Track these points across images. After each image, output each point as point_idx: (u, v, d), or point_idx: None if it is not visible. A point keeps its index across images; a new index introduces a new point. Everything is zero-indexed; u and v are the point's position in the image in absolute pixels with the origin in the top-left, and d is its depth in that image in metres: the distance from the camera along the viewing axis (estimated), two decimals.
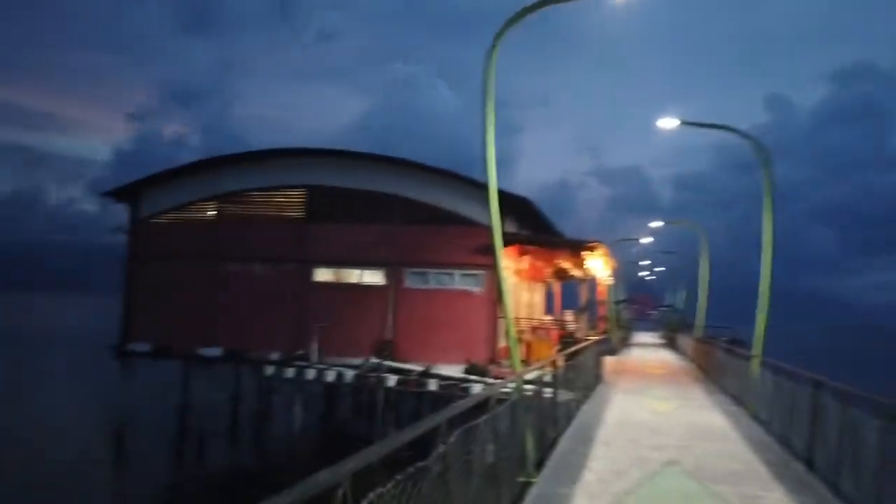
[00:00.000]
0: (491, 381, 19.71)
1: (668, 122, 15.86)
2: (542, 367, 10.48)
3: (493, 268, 21.48)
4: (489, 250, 20.81)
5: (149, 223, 23.92)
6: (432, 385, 19.89)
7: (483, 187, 20.61)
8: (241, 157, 23.54)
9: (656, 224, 34.33)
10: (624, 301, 63.42)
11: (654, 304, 71.40)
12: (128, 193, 24.04)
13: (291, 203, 23.09)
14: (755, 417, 12.50)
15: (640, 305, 71.67)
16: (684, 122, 15.70)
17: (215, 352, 22.23)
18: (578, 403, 13.06)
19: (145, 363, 23.32)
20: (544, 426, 9.26)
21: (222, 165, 23.61)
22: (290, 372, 20.87)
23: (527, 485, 7.51)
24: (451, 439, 4.27)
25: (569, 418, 11.38)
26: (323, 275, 22.68)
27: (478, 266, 21.19)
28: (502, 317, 21.93)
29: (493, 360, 20.97)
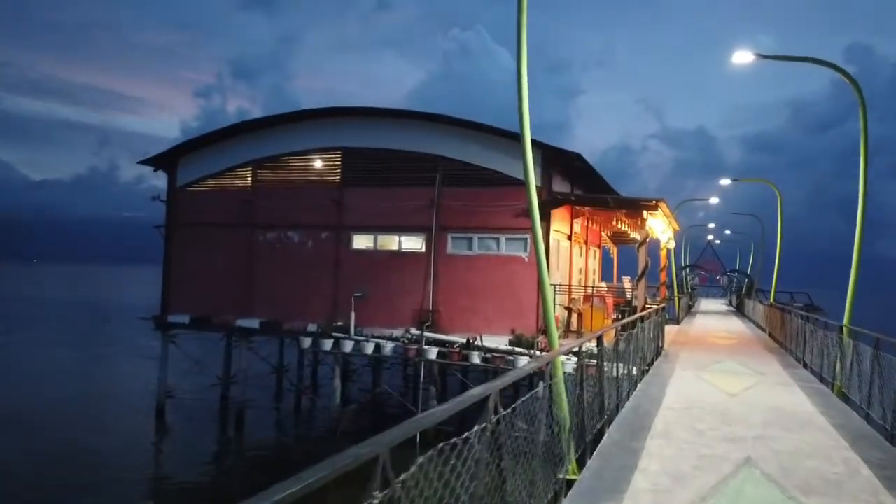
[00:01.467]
0: (538, 353, 18.21)
1: (742, 56, 13.67)
2: (588, 340, 8.89)
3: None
4: (539, 212, 19.16)
5: (185, 191, 23.25)
6: (475, 358, 18.54)
7: (534, 143, 18.86)
8: (274, 119, 22.41)
9: (725, 182, 31.57)
10: (690, 266, 60.28)
11: (723, 270, 67.73)
12: (165, 161, 23.39)
13: (327, 167, 21.88)
14: (846, 398, 10.56)
15: (708, 271, 68.16)
16: (761, 56, 13.45)
17: (253, 323, 21.47)
18: (634, 381, 11.40)
19: (185, 335, 22.86)
20: (589, 410, 7.72)
21: (256, 129, 22.55)
22: (327, 344, 19.90)
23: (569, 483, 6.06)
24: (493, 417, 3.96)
25: (620, 400, 9.77)
26: (360, 242, 21.48)
27: (525, 230, 19.48)
28: (552, 284, 20.33)
29: (541, 331, 19.38)
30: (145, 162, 23.27)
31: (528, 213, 18.63)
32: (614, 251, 32.19)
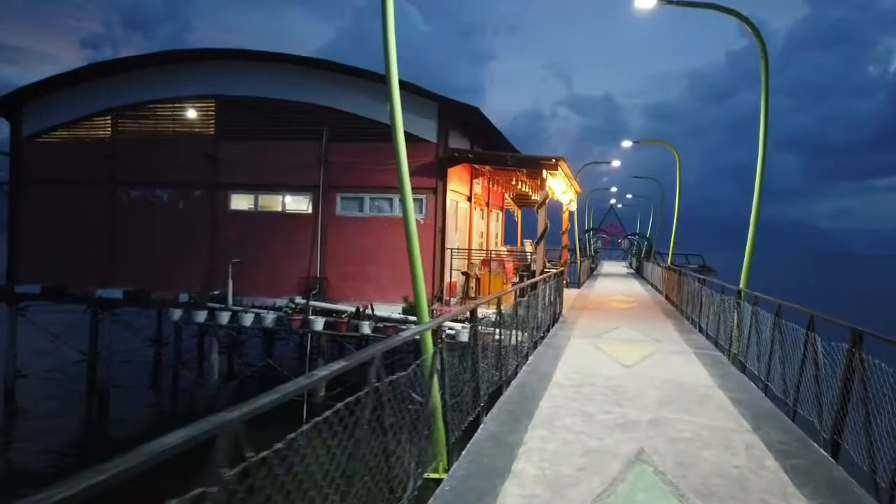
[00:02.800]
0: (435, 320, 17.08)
1: (645, 1, 12.63)
2: (465, 310, 7.76)
3: (435, 191, 18.53)
4: (434, 169, 17.72)
5: (33, 143, 20.15)
6: (365, 328, 17.14)
7: (430, 97, 17.25)
8: (137, 60, 19.60)
9: (627, 144, 31.37)
10: (593, 230, 61.25)
11: (624, 233, 69.48)
12: (7, 106, 20.11)
13: (200, 117, 19.46)
14: (742, 366, 9.97)
15: (610, 234, 69.72)
16: (666, 1, 12.47)
17: (115, 293, 19.07)
18: (525, 353, 10.38)
19: (40, 307, 20.09)
20: (468, 388, 6.54)
21: (117, 72, 19.68)
22: (200, 316, 17.88)
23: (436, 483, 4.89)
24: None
25: (508, 376, 8.67)
26: (239, 202, 19.36)
27: (421, 189, 18.08)
28: (450, 248, 19.12)
29: (438, 297, 18.22)
30: None
31: (423, 171, 17.29)
32: (518, 214, 31.47)
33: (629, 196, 61.62)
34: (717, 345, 12.25)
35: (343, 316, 17.43)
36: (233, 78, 18.89)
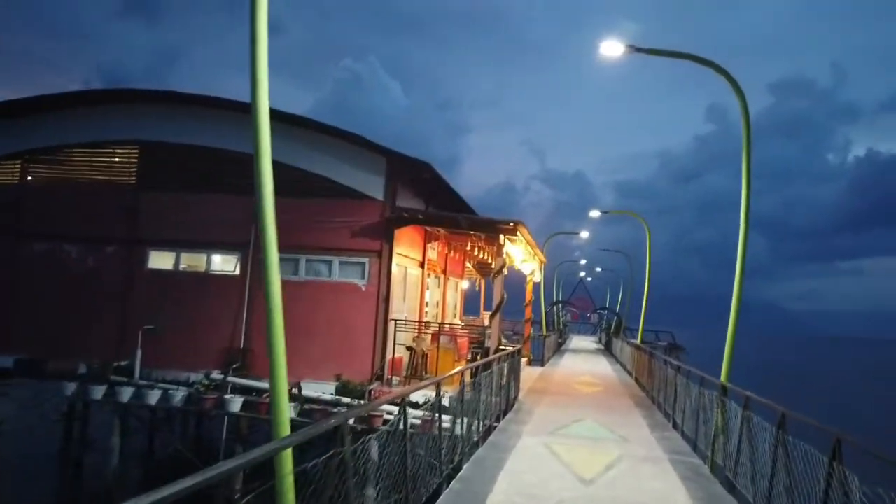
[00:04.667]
0: (368, 404, 14.70)
1: (612, 48, 11.18)
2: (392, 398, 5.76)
3: (380, 254, 16.51)
4: (380, 230, 15.77)
5: None
6: (290, 411, 14.67)
7: (376, 150, 15.48)
8: (52, 99, 17.61)
9: (595, 214, 30.01)
10: (561, 302, 59.59)
11: (594, 307, 67.95)
12: None
13: (119, 164, 17.43)
14: (730, 484, 7.85)
15: (579, 308, 68.13)
16: (634, 48, 11.02)
17: (6, 361, 16.41)
18: (457, 459, 8.16)
19: None
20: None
21: (31, 111, 17.67)
22: (97, 391, 15.27)
23: None
24: None
25: (444, 475, 6.45)
26: (159, 260, 17.11)
27: (363, 252, 16.12)
28: (393, 318, 16.94)
29: (378, 377, 15.92)
30: None
31: (366, 232, 15.29)
32: (481, 284, 29.56)
33: (598, 269, 60.45)
34: (695, 448, 10.14)
35: (265, 395, 14.97)
36: (158, 122, 17.00)
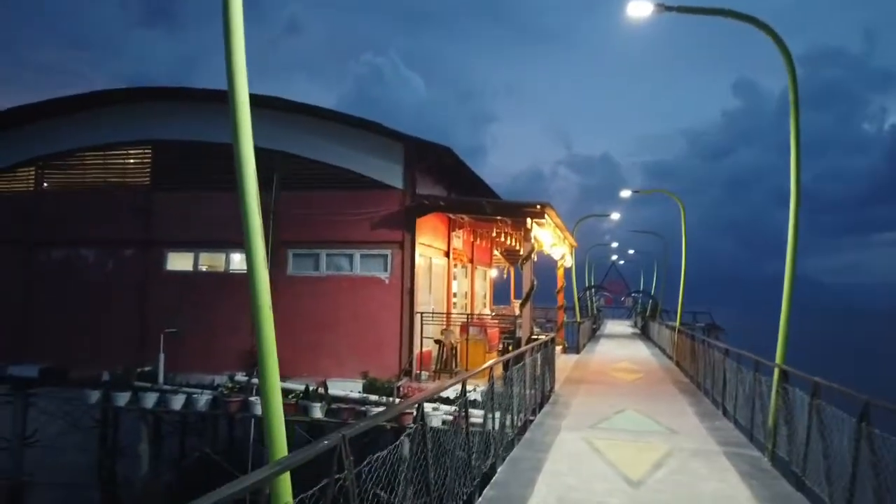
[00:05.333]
0: (399, 402, 14.10)
1: (639, 8, 10.28)
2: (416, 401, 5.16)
3: (402, 245, 15.82)
4: (401, 220, 15.11)
5: None
6: (317, 410, 14.19)
7: (394, 136, 14.80)
8: (65, 102, 17.20)
9: (626, 194, 28.89)
10: (594, 287, 58.33)
11: (628, 290, 66.52)
12: None
13: (133, 166, 17.05)
14: (799, 481, 7.00)
15: (613, 292, 66.80)
16: (664, 7, 10.09)
17: (30, 370, 16.18)
18: (494, 458, 7.48)
19: None
20: None
21: (44, 116, 17.36)
22: (122, 398, 14.93)
23: None
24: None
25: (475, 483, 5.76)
26: (177, 261, 16.70)
27: (384, 243, 15.47)
28: (419, 311, 16.28)
29: (406, 372, 15.29)
30: None
31: (388, 223, 14.64)
32: (510, 271, 28.74)
33: (631, 252, 59.02)
34: (751, 438, 9.28)
35: (290, 396, 14.46)
36: (169, 121, 16.54)
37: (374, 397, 14.30)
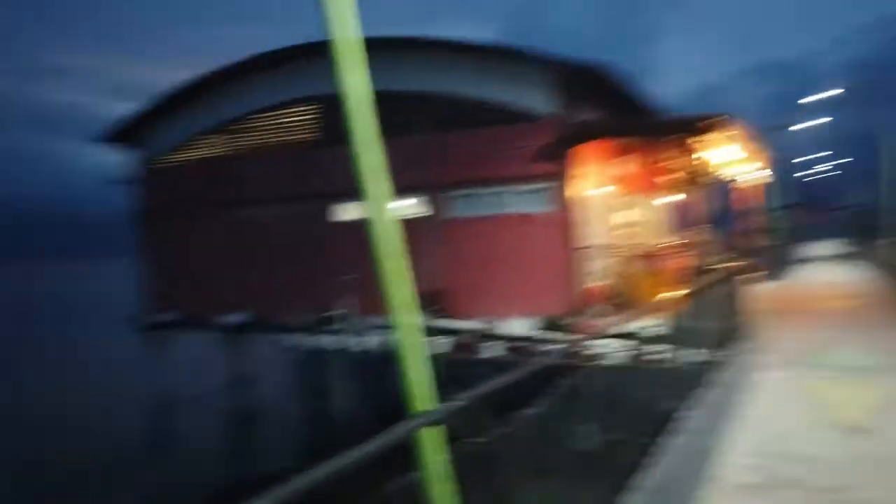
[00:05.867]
0: (573, 338, 13.62)
1: None
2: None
3: (559, 177, 14.96)
4: (553, 150, 14.31)
5: (154, 169, 19.93)
6: (493, 349, 14.21)
7: (538, 61, 13.90)
8: (240, 68, 18.32)
9: (833, 93, 24.85)
10: (790, 205, 52.23)
11: (833, 205, 58.85)
12: (127, 134, 20.08)
13: (302, 123, 17.84)
14: None
15: (813, 208, 59.54)
16: None
17: (238, 319, 18.04)
18: (679, 404, 6.75)
19: (172, 335, 19.79)
20: None
21: (223, 83, 18.68)
22: (312, 340, 16.15)
23: None
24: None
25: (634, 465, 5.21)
26: (347, 211, 17.38)
27: (540, 177, 14.75)
28: (584, 246, 15.43)
29: (577, 309, 14.69)
30: (103, 139, 20.04)
31: (543, 155, 13.88)
32: (688, 195, 26.39)
33: (830, 164, 51.80)
34: None
35: (466, 336, 14.62)
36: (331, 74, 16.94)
37: (546, 335, 13.97)
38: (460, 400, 3.31)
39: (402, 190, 14.75)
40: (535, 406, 4.36)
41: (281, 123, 18.20)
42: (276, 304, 17.43)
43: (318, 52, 17.09)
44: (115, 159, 20.14)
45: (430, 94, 15.69)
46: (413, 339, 4.37)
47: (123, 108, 19.83)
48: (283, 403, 20.59)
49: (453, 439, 3.64)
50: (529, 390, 4.07)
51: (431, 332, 15.00)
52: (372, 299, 15.79)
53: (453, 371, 14.73)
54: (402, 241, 4.69)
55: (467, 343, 14.40)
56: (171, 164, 19.69)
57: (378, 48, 15.39)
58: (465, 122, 15.51)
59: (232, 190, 18.47)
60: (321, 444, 17.15)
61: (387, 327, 14.00)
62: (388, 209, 4.63)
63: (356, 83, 4.50)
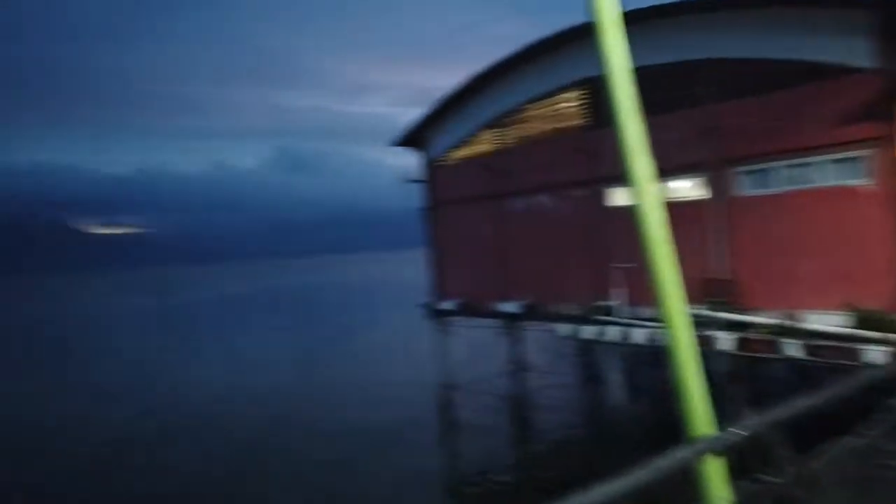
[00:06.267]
0: None
1: None
2: None
3: (884, 140, 12.18)
4: (876, 109, 11.88)
5: (437, 167, 21.54)
6: (793, 348, 12.37)
7: (853, 4, 11.70)
8: (509, 62, 18.67)
9: None
10: None
11: None
12: (414, 138, 22.04)
13: (572, 108, 17.54)
14: None
15: None
16: None
17: (513, 307, 18.63)
18: None
19: (454, 322, 21.27)
20: None
21: (494, 80, 19.29)
22: (587, 331, 15.88)
23: None
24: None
25: None
26: (620, 196, 16.62)
27: (856, 142, 12.26)
28: None
29: None
30: (396, 143, 22.25)
31: (860, 115, 11.66)
32: None
33: None
34: None
35: (755, 331, 12.97)
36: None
37: (867, 333, 11.66)
38: (749, 425, 2.71)
39: (682, 169, 13.62)
40: (852, 434, 3.49)
41: (552, 111, 18.18)
42: (550, 292, 17.56)
43: (584, 36, 16.68)
44: (407, 161, 22.28)
45: (708, 60, 14.16)
46: (683, 339, 3.82)
47: (416, 114, 21.74)
48: (552, 394, 20.79)
49: (739, 471, 3.05)
50: (844, 411, 3.26)
51: (715, 325, 13.65)
52: (644, 289, 15.00)
53: (740, 372, 13.22)
54: (666, 226, 4.15)
55: (758, 340, 12.73)
56: (452, 162, 21.08)
57: (653, 17, 14.36)
58: (755, 88, 13.68)
59: (508, 181, 19.05)
60: (592, 439, 16.90)
61: (657, 321, 12.99)
62: (651, 191, 4.12)
63: (616, 60, 4.08)
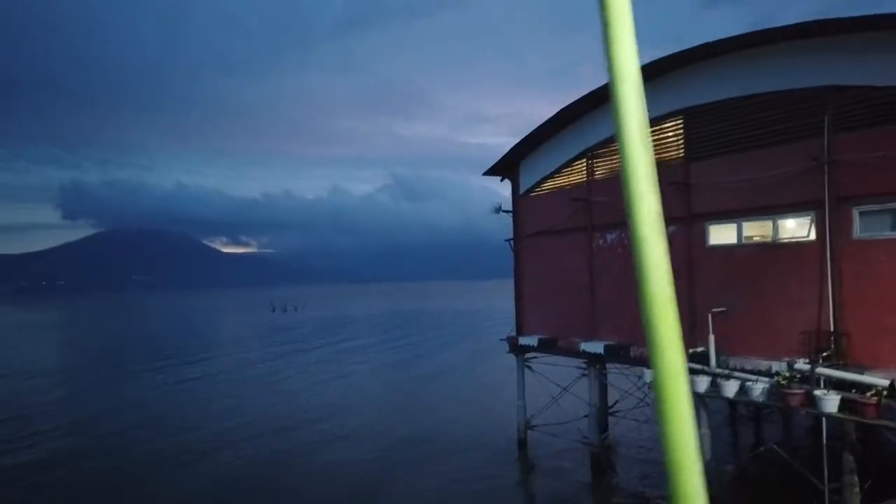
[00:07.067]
0: None
1: None
2: None
3: None
4: None
5: (528, 198, 20.95)
6: None
7: None
8: (602, 92, 17.94)
9: None
10: None
11: None
12: (506, 167, 21.63)
13: (666, 140, 16.47)
14: None
15: None
16: None
17: (597, 347, 17.55)
18: None
19: (537, 358, 20.40)
20: None
21: (589, 108, 18.56)
22: None
23: None
24: None
25: None
26: (718, 234, 15.27)
27: None
28: None
29: None
30: (489, 172, 21.93)
31: None
32: None
33: None
34: None
35: (869, 394, 11.24)
36: (698, 84, 15.31)
37: None
38: None
39: (789, 207, 12.28)
40: None
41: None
42: (637, 333, 16.38)
43: (680, 66, 15.72)
44: (500, 190, 21.91)
45: (829, 87, 12.78)
46: (676, 394, 3.09)
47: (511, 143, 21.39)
48: (633, 442, 19.30)
49: None
50: None
51: (826, 382, 12.02)
52: (739, 337, 13.61)
53: (842, 441, 11.47)
54: (669, 266, 3.44)
55: (867, 404, 10.99)
56: (541, 193, 20.46)
57: (763, 43, 13.17)
58: (882, 117, 12.15)
59: (596, 214, 18.17)
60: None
61: (753, 372, 11.60)
62: (655, 228, 3.43)
63: (625, 67, 3.48)
